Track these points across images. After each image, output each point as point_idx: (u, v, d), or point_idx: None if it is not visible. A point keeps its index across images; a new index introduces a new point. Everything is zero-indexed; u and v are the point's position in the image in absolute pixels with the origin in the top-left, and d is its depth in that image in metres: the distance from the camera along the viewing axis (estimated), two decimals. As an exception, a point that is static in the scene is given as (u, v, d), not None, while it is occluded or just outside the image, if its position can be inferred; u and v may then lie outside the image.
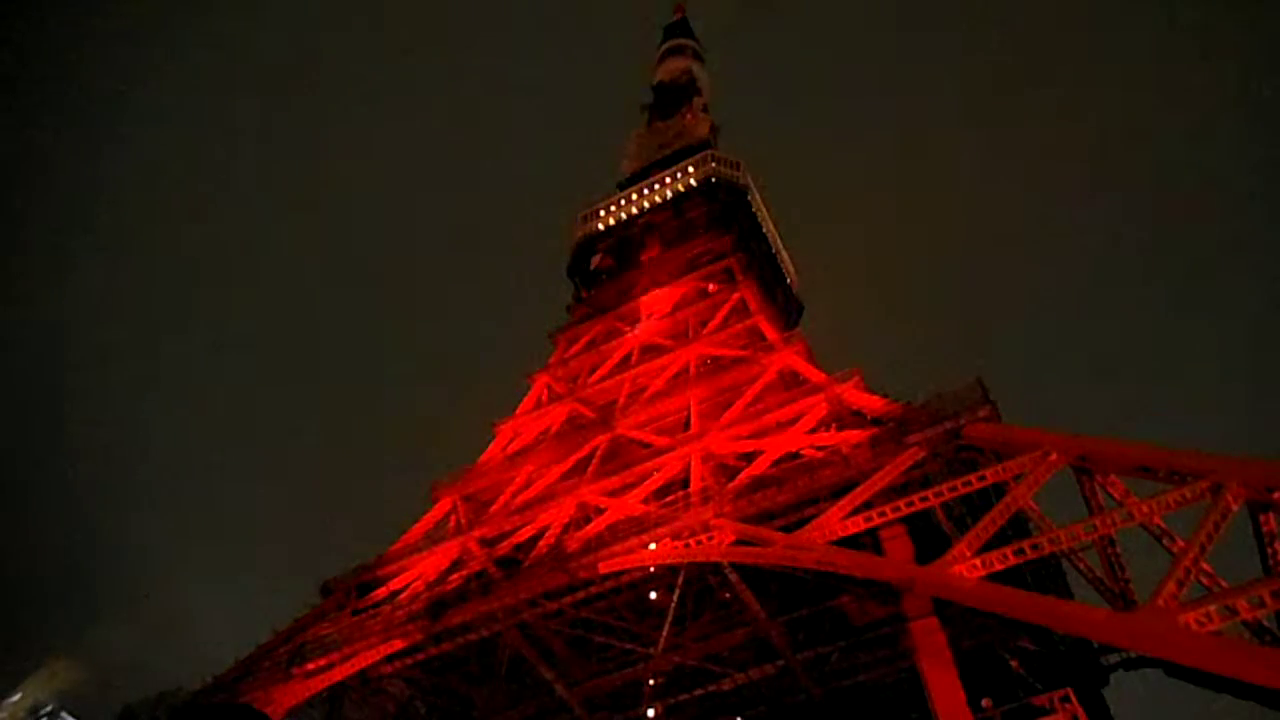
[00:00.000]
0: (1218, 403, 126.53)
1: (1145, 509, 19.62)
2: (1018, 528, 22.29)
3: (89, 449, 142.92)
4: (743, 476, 28.31)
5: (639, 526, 27.42)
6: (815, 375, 34.05)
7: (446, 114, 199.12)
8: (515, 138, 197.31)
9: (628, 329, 48.58)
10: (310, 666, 28.20)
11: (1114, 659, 23.57)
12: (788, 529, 24.21)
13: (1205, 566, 18.40)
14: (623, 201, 62.78)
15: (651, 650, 28.68)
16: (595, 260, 61.69)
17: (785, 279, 60.89)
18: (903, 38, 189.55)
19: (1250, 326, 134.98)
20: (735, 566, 25.79)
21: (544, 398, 45.74)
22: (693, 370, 39.73)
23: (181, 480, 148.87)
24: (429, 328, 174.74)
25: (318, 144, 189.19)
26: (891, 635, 26.72)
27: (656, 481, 31.08)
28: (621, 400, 40.47)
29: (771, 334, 40.47)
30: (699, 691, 29.42)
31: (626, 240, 61.12)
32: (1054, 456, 21.78)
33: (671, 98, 76.16)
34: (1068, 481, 21.59)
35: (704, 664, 29.25)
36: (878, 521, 22.81)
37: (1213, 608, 15.98)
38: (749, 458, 30.31)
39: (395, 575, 33.47)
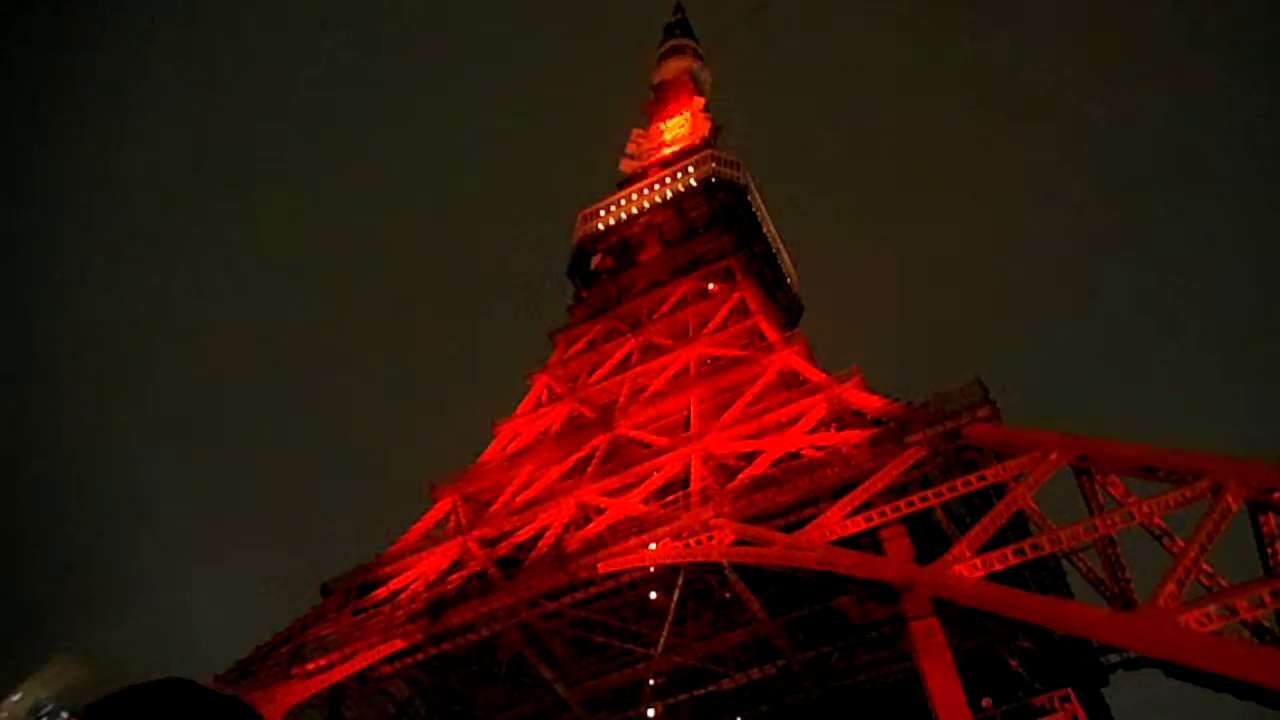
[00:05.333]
0: (1218, 403, 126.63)
1: (1145, 509, 19.63)
2: (1018, 528, 22.30)
3: (88, 449, 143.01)
4: (743, 476, 28.31)
5: (639, 526, 27.44)
6: (815, 375, 34.05)
7: (446, 113, 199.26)
8: (515, 138, 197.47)
9: (627, 329, 48.59)
10: (310, 666, 28.22)
11: (1114, 659, 23.53)
12: (788, 529, 24.22)
13: (1205, 566, 18.39)
14: (623, 201, 62.77)
15: (651, 650, 28.68)
16: (595, 260, 61.69)
17: (785, 279, 60.86)
18: (903, 37, 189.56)
19: (1251, 326, 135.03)
20: (735, 566, 25.79)
21: (544, 398, 45.75)
22: (693, 370, 39.73)
23: (181, 480, 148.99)
24: (428, 328, 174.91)
25: (316, 143, 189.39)
26: (891, 635, 26.74)
27: (656, 481, 31.07)
28: (621, 400, 40.48)
29: (771, 334, 40.47)
30: (699, 691, 29.41)
31: (627, 240, 61.13)
32: (1054, 456, 21.79)
33: (671, 98, 76.24)
34: (1068, 481, 21.62)
35: (704, 664, 29.25)
36: (878, 521, 22.82)
37: (1213, 608, 15.99)
38: (749, 458, 30.30)
39: (395, 575, 33.47)
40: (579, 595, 27.69)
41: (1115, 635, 17.38)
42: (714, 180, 59.53)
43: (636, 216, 61.08)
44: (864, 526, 22.83)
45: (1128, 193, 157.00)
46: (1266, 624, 17.77)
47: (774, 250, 60.36)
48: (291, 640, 31.02)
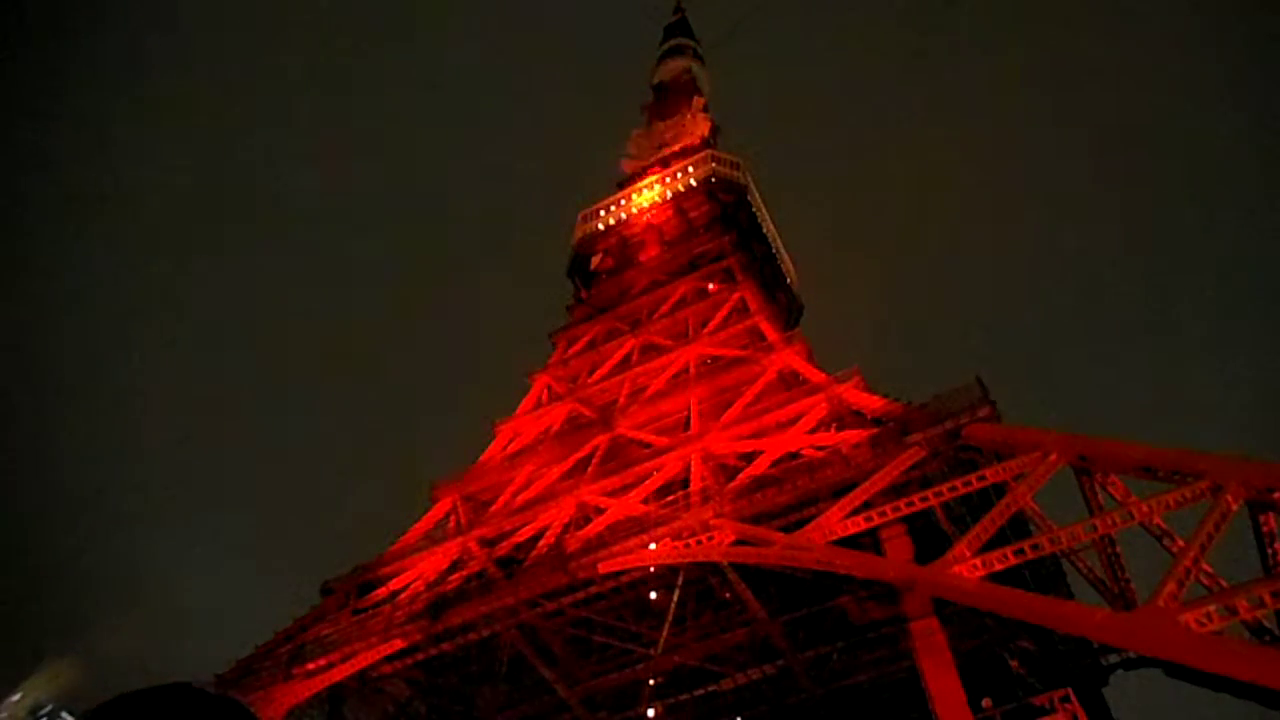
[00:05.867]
0: (1218, 403, 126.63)
1: (1145, 509, 19.62)
2: (1018, 528, 22.29)
3: (88, 449, 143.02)
4: (743, 476, 28.31)
5: (639, 526, 27.43)
6: (815, 375, 34.05)
7: (446, 114, 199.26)
8: (515, 138, 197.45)
9: (627, 329, 48.61)
10: (310, 666, 28.22)
11: (1114, 659, 23.57)
12: (788, 529, 24.20)
13: (1205, 566, 18.39)
14: (623, 201, 62.78)
15: (651, 650, 28.70)
16: (595, 260, 61.70)
17: (785, 279, 60.87)
18: (903, 37, 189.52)
19: (1251, 326, 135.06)
20: (735, 566, 25.79)
21: (544, 398, 45.76)
22: (693, 370, 39.74)
23: (181, 480, 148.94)
24: (429, 327, 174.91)
25: (317, 143, 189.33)
26: (891, 635, 26.72)
27: (656, 481, 31.07)
28: (621, 400, 40.48)
29: (771, 334, 40.47)
30: (699, 691, 29.41)
31: (626, 240, 61.12)
32: (1054, 456, 21.77)
33: (671, 98, 76.21)
34: (1068, 481, 21.62)
35: (704, 664, 29.25)
36: (878, 521, 22.80)
37: (1213, 608, 15.97)
38: (749, 458, 30.30)
39: (395, 575, 33.47)
40: (579, 595, 27.67)
41: (1115, 635, 17.37)
42: (714, 180, 59.51)
43: (636, 216, 61.12)
44: (864, 526, 22.81)
45: (1128, 192, 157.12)
46: (1266, 624, 17.76)
47: (774, 250, 60.36)
48: (291, 640, 31.01)
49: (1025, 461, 22.12)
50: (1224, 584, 18.31)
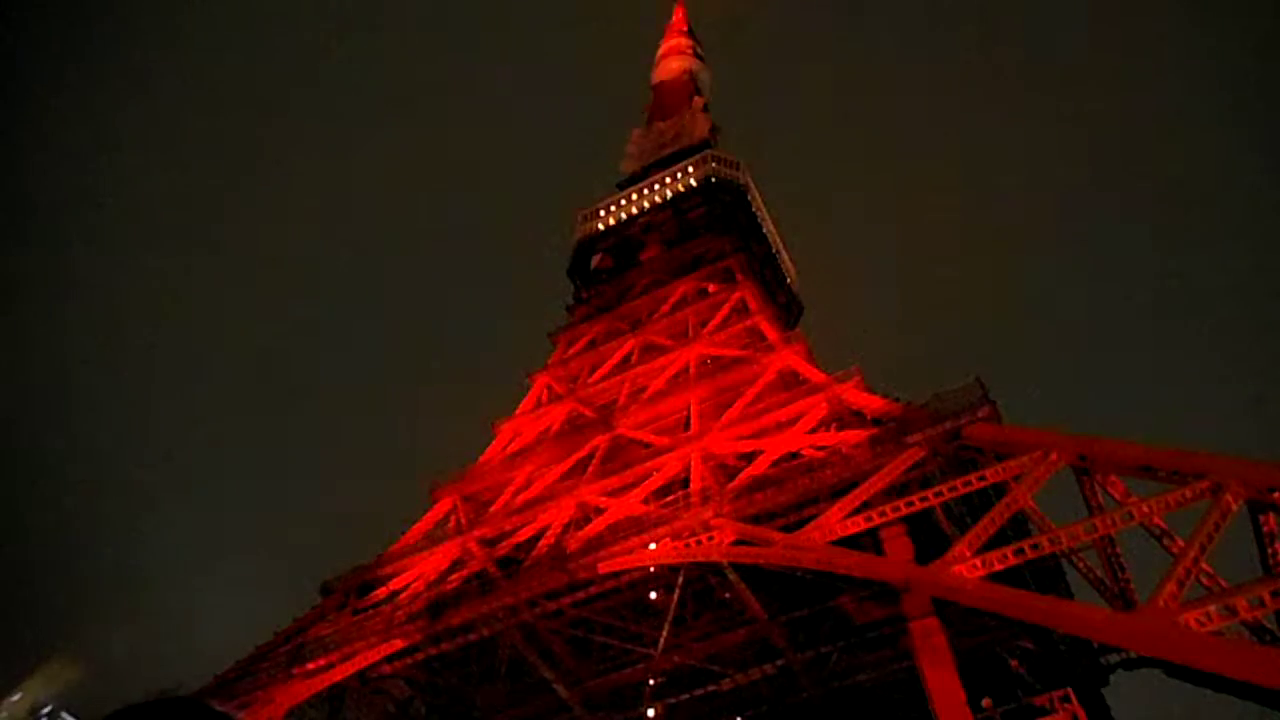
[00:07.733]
0: (1218, 403, 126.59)
1: (1145, 509, 19.63)
2: (1018, 528, 22.31)
3: (89, 449, 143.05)
4: (743, 476, 28.31)
5: (639, 526, 27.43)
6: (815, 375, 34.03)
7: (446, 114, 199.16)
8: (515, 138, 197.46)
9: (627, 329, 48.59)
10: (310, 666, 28.21)
11: (1114, 659, 23.58)
12: (788, 529, 24.22)
13: (1205, 566, 18.40)
14: (623, 201, 62.77)
15: (651, 650, 28.71)
16: (595, 260, 61.71)
17: (785, 279, 60.87)
18: (902, 37, 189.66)
19: (1251, 326, 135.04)
20: (735, 566, 25.78)
21: (544, 398, 45.74)
22: (693, 370, 39.71)
23: (182, 480, 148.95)
24: (429, 327, 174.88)
25: (317, 144, 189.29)
26: (891, 635, 26.72)
27: (656, 481, 31.07)
28: (621, 400, 40.46)
29: (771, 334, 40.45)
30: (699, 691, 29.40)
31: (626, 240, 61.12)
32: (1054, 456, 21.78)
33: (671, 98, 76.20)
34: (1068, 481, 21.62)
35: (704, 664, 29.25)
36: (878, 521, 22.80)
37: (1213, 608, 15.99)
38: (749, 458, 30.30)
39: (395, 575, 33.47)
40: (579, 595, 27.65)
41: (1115, 635, 17.38)
42: (713, 180, 59.51)
43: (636, 216, 61.08)
44: (864, 526, 22.81)
45: (1129, 192, 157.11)
46: (1266, 624, 17.78)
47: (774, 250, 60.36)
48: (291, 640, 31.02)
49: (1025, 461, 22.13)
50: (1224, 584, 18.33)
